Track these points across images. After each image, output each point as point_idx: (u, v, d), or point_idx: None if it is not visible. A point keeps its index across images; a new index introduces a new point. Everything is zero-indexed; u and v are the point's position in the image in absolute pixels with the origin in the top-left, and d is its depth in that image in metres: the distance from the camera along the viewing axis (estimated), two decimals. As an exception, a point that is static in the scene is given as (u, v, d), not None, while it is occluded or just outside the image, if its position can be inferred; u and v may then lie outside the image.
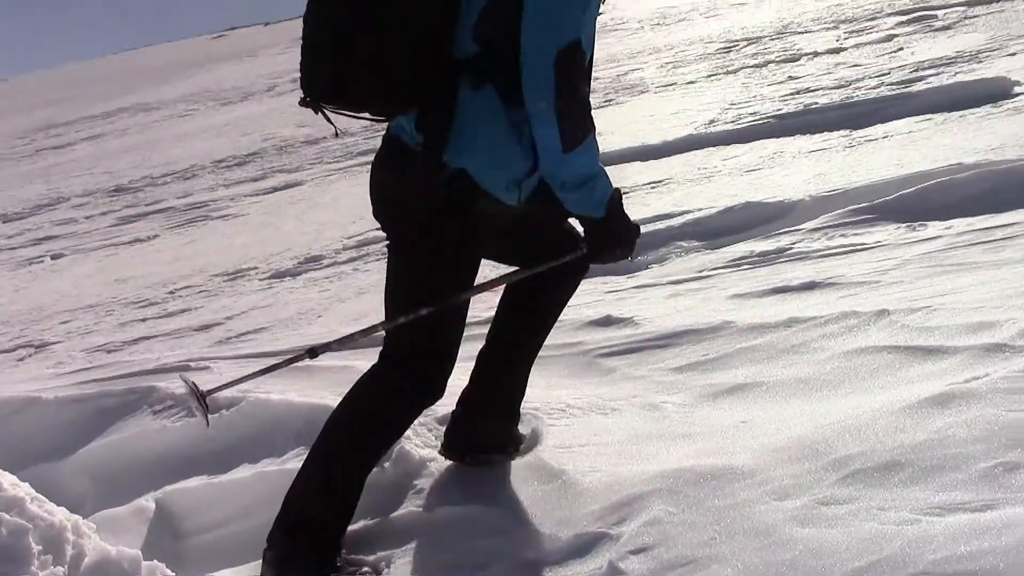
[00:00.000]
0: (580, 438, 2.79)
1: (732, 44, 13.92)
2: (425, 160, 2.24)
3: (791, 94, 9.88)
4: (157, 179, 13.64)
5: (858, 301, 3.52)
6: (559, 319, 2.76)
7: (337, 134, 2.62)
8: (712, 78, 11.88)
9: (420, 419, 2.97)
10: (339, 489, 2.45)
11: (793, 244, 5.12)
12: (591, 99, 2.25)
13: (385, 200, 2.43)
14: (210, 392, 2.53)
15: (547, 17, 2.12)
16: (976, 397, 2.24)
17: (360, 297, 6.31)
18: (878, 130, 7.71)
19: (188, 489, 3.12)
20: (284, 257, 7.87)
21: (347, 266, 7.25)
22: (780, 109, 9.20)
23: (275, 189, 11.42)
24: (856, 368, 2.73)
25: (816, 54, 11.85)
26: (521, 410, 2.83)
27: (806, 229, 5.30)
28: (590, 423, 2.90)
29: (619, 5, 21.12)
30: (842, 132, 7.92)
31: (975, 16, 12.30)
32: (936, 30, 11.92)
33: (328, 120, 2.40)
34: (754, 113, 9.32)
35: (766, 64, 11.97)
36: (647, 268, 5.61)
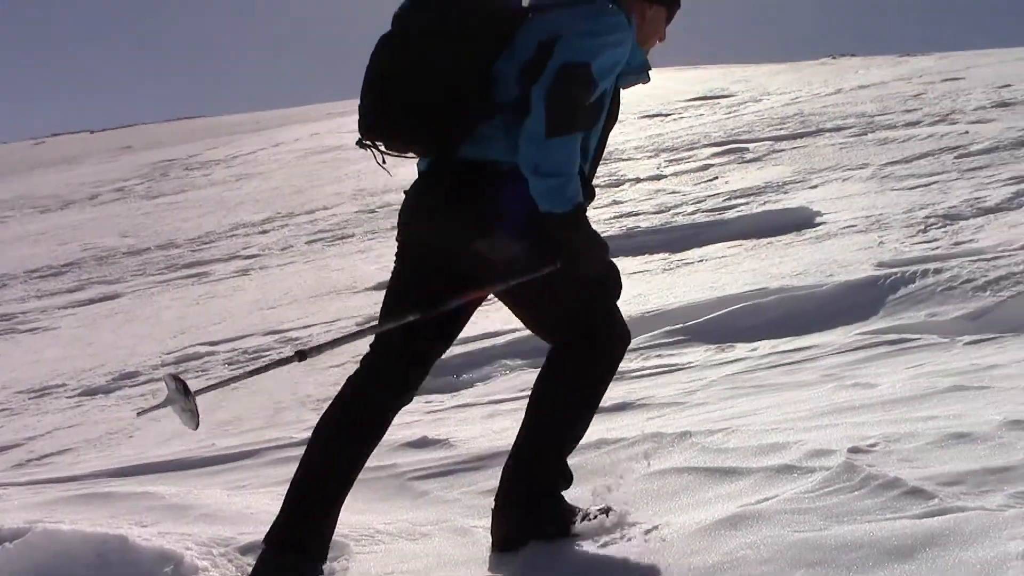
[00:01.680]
0: (387, 566, 2.72)
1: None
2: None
3: (615, 217, 10.31)
4: (-38, 289, 12.88)
5: (664, 422, 3.63)
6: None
7: (386, 170, 2.72)
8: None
9: (221, 548, 2.85)
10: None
11: (628, 369, 5.24)
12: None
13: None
14: (200, 391, 2.42)
15: (568, 46, 2.42)
16: (765, 518, 2.32)
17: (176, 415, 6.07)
18: (694, 254, 8.10)
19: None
20: (96, 373, 7.51)
21: (163, 383, 6.97)
22: (604, 231, 9.54)
23: (91, 301, 10.96)
24: (658, 490, 2.79)
25: (638, 180, 12.45)
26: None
27: (634, 352, 5.45)
28: (398, 550, 2.83)
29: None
30: (662, 255, 8.29)
31: (781, 150, 13.24)
32: (747, 161, 12.75)
33: (379, 162, 2.66)
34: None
35: (591, 188, 12.47)
36: (471, 387, 5.64)
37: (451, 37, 2.51)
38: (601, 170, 13.81)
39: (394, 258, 2.73)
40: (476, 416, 4.48)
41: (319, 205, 15.28)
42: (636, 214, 10.24)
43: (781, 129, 15.15)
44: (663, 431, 3.27)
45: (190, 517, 3.20)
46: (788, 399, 3.71)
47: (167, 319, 9.10)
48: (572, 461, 3.14)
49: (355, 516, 3.16)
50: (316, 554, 2.60)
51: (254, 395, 6.22)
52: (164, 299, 10.36)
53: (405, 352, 2.65)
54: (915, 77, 20.54)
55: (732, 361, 4.79)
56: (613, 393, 4.46)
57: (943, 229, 7.79)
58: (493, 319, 7.05)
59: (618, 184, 12.51)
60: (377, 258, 10.49)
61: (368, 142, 2.61)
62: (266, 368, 2.60)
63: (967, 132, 12.68)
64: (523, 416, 2.69)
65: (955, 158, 11.17)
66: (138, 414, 2.42)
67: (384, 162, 2.66)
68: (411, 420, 4.56)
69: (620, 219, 10.15)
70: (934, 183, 9.97)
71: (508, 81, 2.53)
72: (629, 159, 14.54)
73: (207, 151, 26.59)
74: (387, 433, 2.77)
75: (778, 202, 9.80)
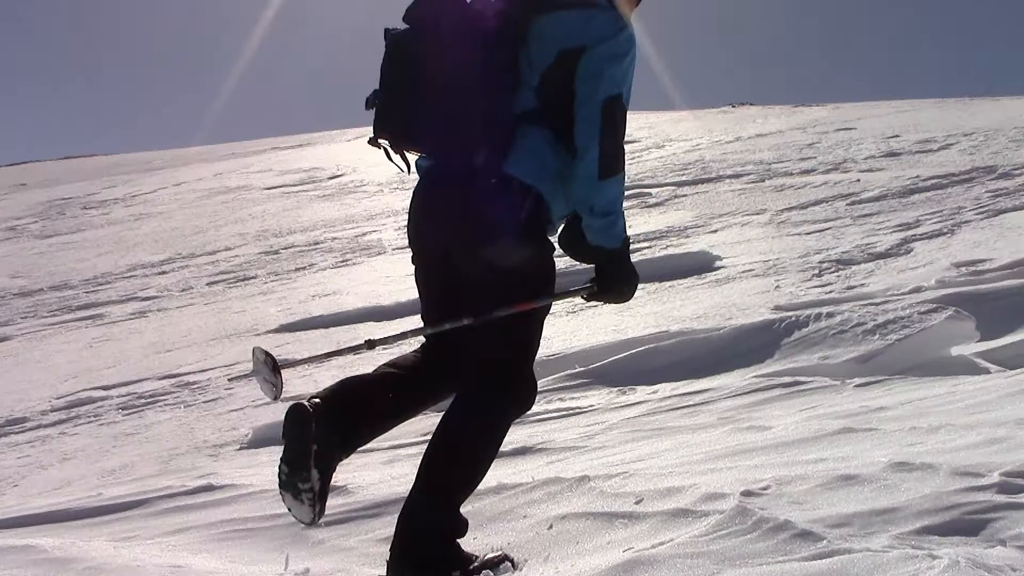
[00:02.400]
0: (281, 618, 2.65)
1: (467, 210, 14.49)
2: (486, 168, 2.56)
3: (520, 260, 10.34)
4: None
5: (563, 467, 3.63)
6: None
7: (409, 171, 2.77)
8: (447, 242, 12.25)
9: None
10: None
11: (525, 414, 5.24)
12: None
13: (451, 218, 2.63)
14: (285, 365, 2.53)
15: (596, 77, 2.54)
16: (659, 562, 2.33)
17: (65, 463, 5.85)
18: (597, 297, 8.17)
19: None
20: (-19, 419, 7.19)
21: (53, 429, 6.72)
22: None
23: (-21, 344, 10.53)
24: (556, 536, 2.78)
25: (544, 223, 12.56)
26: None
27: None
28: (292, 601, 2.76)
29: (359, 168, 21.59)
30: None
31: (684, 195, 13.54)
32: (650, 206, 12.99)
33: (391, 158, 2.73)
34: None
35: (498, 231, 12.52)
36: (373, 431, 5.56)
37: (473, 37, 2.59)
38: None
39: (413, 268, 2.85)
40: (376, 461, 4.41)
41: (221, 246, 15.01)
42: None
43: (683, 175, 15.50)
44: (562, 475, 3.27)
45: (73, 571, 3.07)
46: (685, 442, 3.76)
47: (59, 363, 8.79)
48: (470, 507, 3.12)
49: (249, 567, 3.08)
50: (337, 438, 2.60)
51: (146, 442, 6.03)
52: (56, 342, 10.01)
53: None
54: (810, 127, 21.27)
55: (632, 404, 4.84)
56: (513, 437, 4.46)
57: (836, 273, 8.05)
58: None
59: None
60: (279, 300, 10.34)
61: (381, 140, 2.69)
62: (339, 353, 2.85)
63: (859, 180, 13.16)
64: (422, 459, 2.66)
65: (847, 205, 11.58)
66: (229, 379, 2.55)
67: (402, 159, 2.72)
68: (309, 466, 4.47)
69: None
70: (828, 229, 10.31)
71: (527, 88, 2.63)
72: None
73: (105, 189, 25.91)
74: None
75: (680, 246, 10.00)
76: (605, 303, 2.84)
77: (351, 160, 23.19)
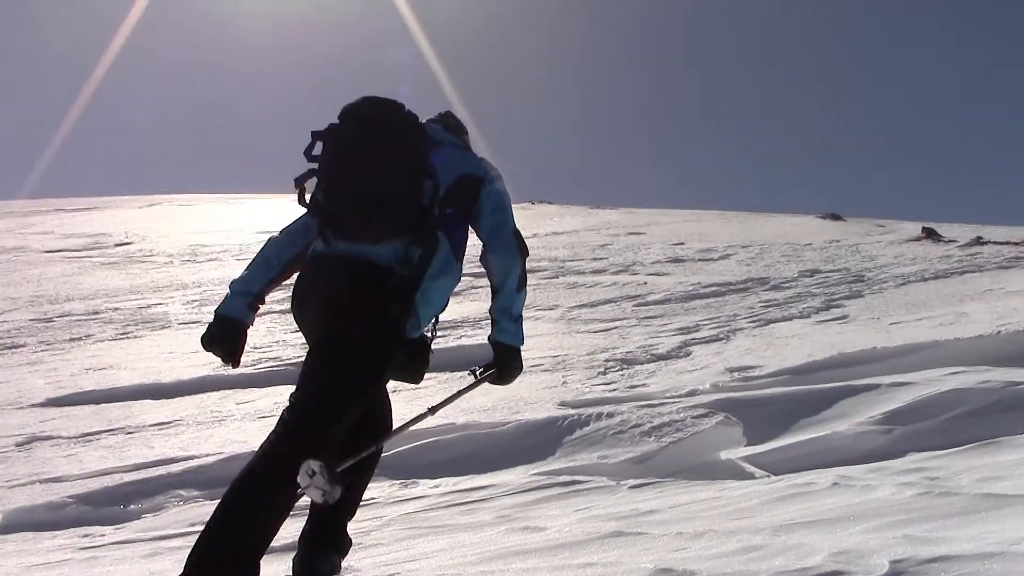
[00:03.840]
0: None
1: (261, 288, 14.13)
2: (403, 284, 3.04)
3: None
4: None
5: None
6: None
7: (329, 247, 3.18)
8: (237, 320, 11.87)
9: None
10: None
11: (291, 497, 5.08)
12: None
13: (339, 302, 3.02)
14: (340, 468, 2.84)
15: (503, 210, 3.24)
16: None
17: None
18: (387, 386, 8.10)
19: None
20: None
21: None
22: (299, 356, 9.39)
23: None
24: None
25: (339, 306, 12.40)
26: None
27: (307, 482, 5.30)
28: None
29: (149, 237, 20.74)
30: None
31: (479, 287, 13.71)
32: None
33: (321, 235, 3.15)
34: (275, 358, 9.43)
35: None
36: (138, 518, 5.24)
37: (403, 143, 3.12)
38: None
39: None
40: (135, 554, 4.14)
41: (-12, 310, 13.96)
42: (334, 341, 10.16)
43: (479, 267, 15.75)
44: (334, 576, 3.17)
45: None
46: (461, 541, 3.74)
47: None
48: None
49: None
50: None
51: None
52: None
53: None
54: (603, 228, 22.23)
55: (413, 499, 4.78)
56: (287, 532, 4.31)
57: (620, 372, 8.34)
58: (172, 443, 6.66)
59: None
60: (49, 372, 9.67)
61: (324, 222, 3.09)
62: (406, 426, 3.45)
63: (646, 283, 13.80)
64: None
65: (634, 306, 12.09)
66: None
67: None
68: (62, 558, 4.16)
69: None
70: (615, 328, 10.71)
71: (426, 198, 3.12)
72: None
73: None
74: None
75: (474, 337, 10.10)
76: (498, 385, 3.42)
77: (141, 228, 22.24)
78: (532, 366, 8.60)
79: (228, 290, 3.21)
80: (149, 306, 13.25)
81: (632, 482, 4.82)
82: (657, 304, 12.16)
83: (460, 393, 3.51)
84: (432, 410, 3.43)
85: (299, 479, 2.66)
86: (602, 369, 8.48)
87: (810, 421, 6.09)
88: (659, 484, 4.75)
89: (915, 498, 3.59)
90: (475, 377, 3.40)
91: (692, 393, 6.94)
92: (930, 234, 19.21)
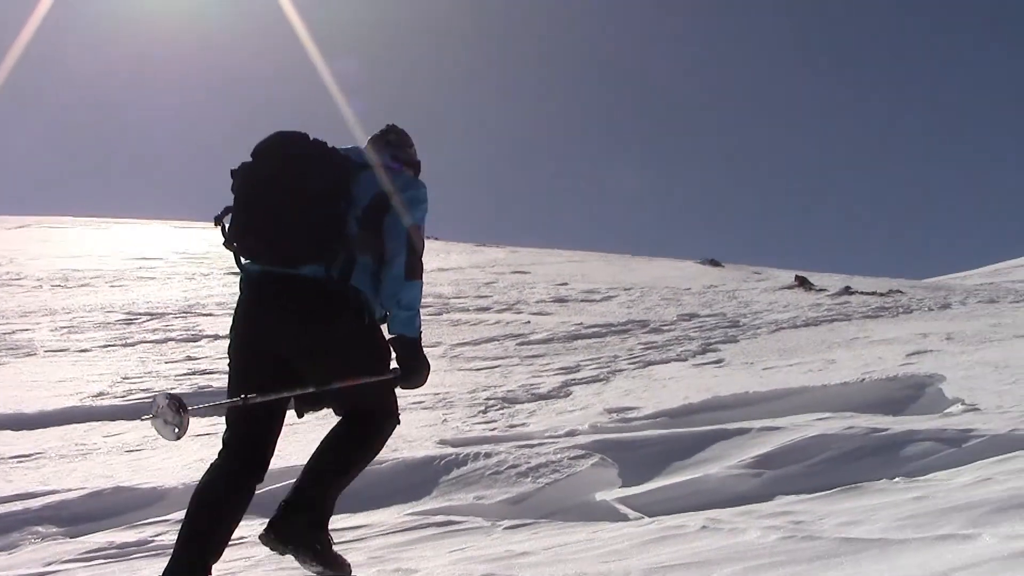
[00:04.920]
0: None
1: (134, 317, 13.68)
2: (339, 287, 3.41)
3: (187, 374, 9.90)
4: None
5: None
6: None
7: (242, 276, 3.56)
8: (108, 348, 11.48)
9: None
10: None
11: (157, 536, 4.93)
12: None
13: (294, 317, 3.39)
14: (193, 412, 3.13)
15: (402, 212, 3.47)
16: None
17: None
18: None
19: None
20: None
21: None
22: (174, 388, 9.13)
23: None
24: None
25: (217, 337, 12.12)
26: None
27: (172, 520, 5.14)
28: None
29: (17, 260, 19.88)
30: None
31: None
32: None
33: (238, 263, 3.50)
34: (147, 389, 9.13)
35: (166, 341, 11.94)
36: (-9, 558, 4.98)
37: (321, 172, 3.38)
38: (177, 323, 13.33)
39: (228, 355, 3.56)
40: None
41: None
42: (211, 372, 9.92)
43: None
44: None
45: None
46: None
47: None
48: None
49: None
50: None
51: None
52: None
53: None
54: (488, 266, 22.35)
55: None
56: (154, 569, 4.17)
57: (501, 411, 8.37)
58: (32, 478, 6.36)
59: (195, 339, 12.10)
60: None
61: (234, 248, 3.42)
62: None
63: (529, 322, 13.91)
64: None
65: (517, 345, 12.17)
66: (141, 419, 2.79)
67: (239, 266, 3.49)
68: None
69: (192, 376, 9.77)
70: (497, 367, 10.76)
71: (353, 222, 3.43)
72: (210, 314, 14.16)
73: None
74: None
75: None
76: (406, 388, 3.62)
77: (10, 251, 21.31)
78: (413, 403, 8.55)
79: None
80: (13, 332, 12.67)
81: (507, 523, 4.83)
82: (540, 343, 12.27)
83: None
84: (246, 399, 3.39)
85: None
86: (483, 408, 8.49)
87: (684, 464, 6.21)
88: (534, 525, 4.77)
89: (779, 542, 3.70)
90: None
91: (571, 433, 7.01)
92: (803, 282, 19.99)
